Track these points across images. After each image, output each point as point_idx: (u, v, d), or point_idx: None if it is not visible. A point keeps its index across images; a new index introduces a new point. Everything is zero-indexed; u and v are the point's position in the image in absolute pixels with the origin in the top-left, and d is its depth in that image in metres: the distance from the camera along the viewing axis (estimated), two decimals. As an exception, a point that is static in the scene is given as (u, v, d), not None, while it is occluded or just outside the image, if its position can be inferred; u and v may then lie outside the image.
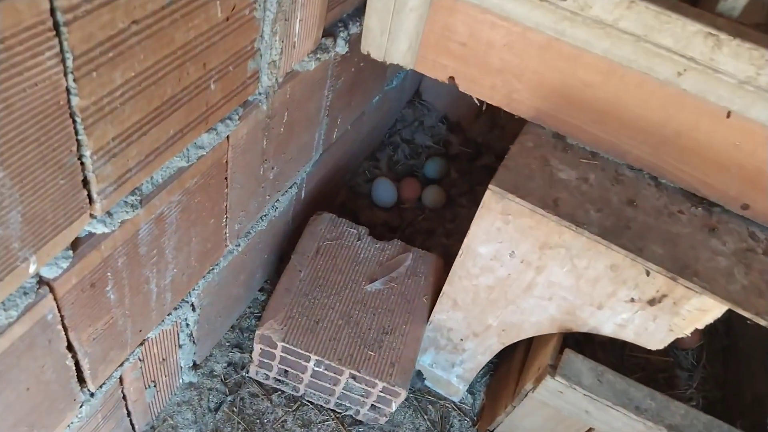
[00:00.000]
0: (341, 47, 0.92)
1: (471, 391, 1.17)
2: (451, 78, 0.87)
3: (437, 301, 0.99)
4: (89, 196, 0.55)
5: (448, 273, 1.12)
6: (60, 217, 0.53)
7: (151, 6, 0.50)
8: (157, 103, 0.58)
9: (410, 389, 1.15)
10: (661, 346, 0.82)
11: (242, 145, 0.79)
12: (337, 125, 1.13)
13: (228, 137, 0.75)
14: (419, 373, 1.15)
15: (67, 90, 0.47)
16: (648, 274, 0.74)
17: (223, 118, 0.72)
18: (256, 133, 0.81)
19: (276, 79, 0.80)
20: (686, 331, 0.78)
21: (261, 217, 1.00)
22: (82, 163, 0.52)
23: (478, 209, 0.81)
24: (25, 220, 0.49)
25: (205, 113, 0.67)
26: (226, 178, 0.80)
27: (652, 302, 0.77)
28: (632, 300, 0.78)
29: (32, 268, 0.53)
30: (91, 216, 0.57)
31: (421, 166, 1.55)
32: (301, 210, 1.19)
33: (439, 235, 1.40)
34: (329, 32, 0.89)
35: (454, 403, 1.15)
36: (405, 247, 1.13)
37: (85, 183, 0.54)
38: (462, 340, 1.02)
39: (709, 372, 1.27)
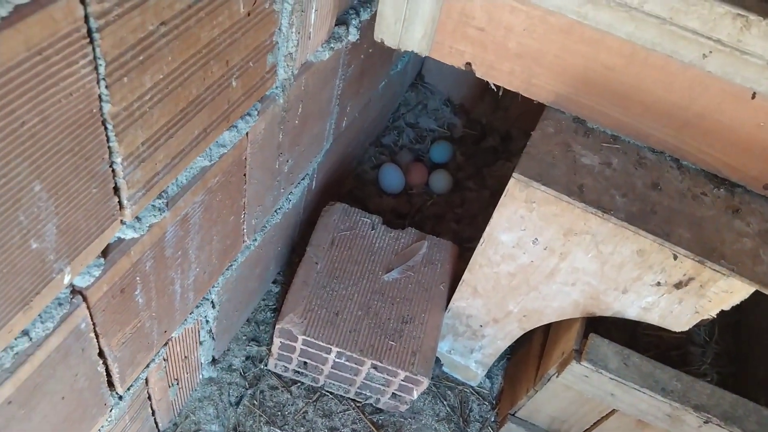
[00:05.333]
0: (353, 35, 0.90)
1: (489, 375, 1.17)
2: (468, 64, 0.86)
3: (457, 289, 0.99)
4: (119, 202, 0.54)
5: (461, 259, 1.12)
6: (92, 226, 0.52)
7: (178, 5, 0.49)
8: (183, 104, 0.56)
9: (428, 376, 1.15)
10: (685, 328, 0.82)
11: (260, 140, 0.78)
12: (347, 113, 1.12)
13: (247, 133, 0.73)
14: (437, 360, 1.16)
15: (99, 97, 0.45)
16: (675, 258, 0.74)
17: (243, 115, 0.70)
18: (273, 127, 0.80)
19: (292, 72, 0.78)
20: (712, 313, 0.78)
21: (276, 211, 0.99)
22: (113, 170, 0.51)
23: (502, 197, 0.80)
24: (59, 232, 0.48)
25: (227, 111, 0.66)
26: (245, 175, 0.79)
27: (678, 285, 0.77)
28: (658, 284, 0.78)
29: (66, 279, 0.52)
30: (121, 222, 0.56)
31: (427, 151, 1.54)
32: (312, 200, 1.18)
33: (448, 220, 1.39)
34: (342, 20, 0.88)
35: (472, 387, 1.16)
36: (419, 235, 1.12)
37: (116, 190, 0.53)
38: (481, 326, 1.02)
39: (721, 347, 1.28)
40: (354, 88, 1.08)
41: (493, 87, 0.87)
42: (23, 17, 0.35)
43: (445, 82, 1.63)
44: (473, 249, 0.91)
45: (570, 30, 0.75)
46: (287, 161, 0.92)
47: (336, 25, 0.86)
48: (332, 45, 0.85)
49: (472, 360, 1.11)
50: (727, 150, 0.78)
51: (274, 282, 1.21)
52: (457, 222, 1.39)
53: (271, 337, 1.12)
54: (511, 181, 0.78)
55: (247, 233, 0.90)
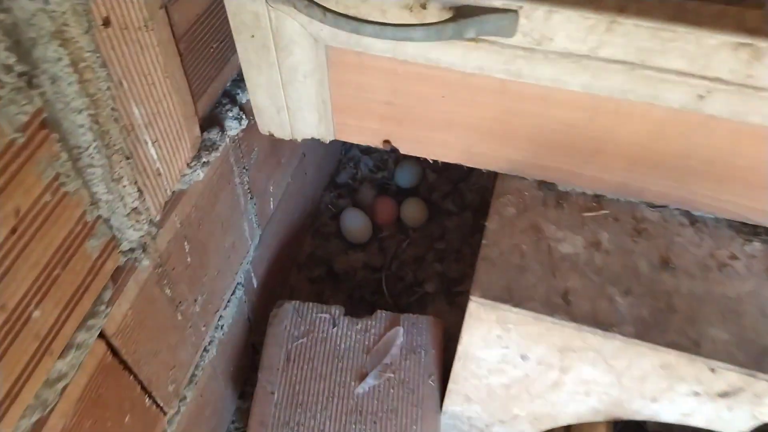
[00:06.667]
0: (235, 128, 0.69)
1: (511, 453, 0.99)
2: (387, 142, 0.64)
3: (446, 395, 0.80)
4: None
5: (452, 314, 0.92)
6: None
7: None
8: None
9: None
10: (745, 431, 0.62)
11: (132, 321, 0.58)
12: (271, 193, 0.91)
13: (102, 333, 0.54)
14: (447, 451, 0.97)
15: None
16: (713, 371, 0.54)
17: (79, 327, 0.51)
18: (148, 292, 0.60)
19: (149, 221, 0.58)
20: (776, 413, 0.58)
21: (205, 349, 0.80)
22: None
23: (465, 318, 0.60)
24: None
25: (39, 349, 0.46)
26: (125, 368, 0.59)
27: (723, 395, 0.57)
28: (696, 393, 0.58)
29: None
30: None
31: (392, 176, 1.32)
32: (259, 297, 0.98)
33: (430, 261, 1.19)
34: (212, 120, 0.66)
35: (495, 472, 0.98)
36: (392, 318, 0.92)
37: None
38: (487, 425, 0.83)
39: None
40: (270, 166, 0.88)
41: (431, 162, 0.66)
42: None
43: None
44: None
45: (504, 90, 0.53)
46: (195, 301, 0.72)
47: (205, 130, 0.65)
48: (205, 159, 0.64)
49: (487, 449, 0.92)
50: (754, 195, 0.56)
51: (241, 397, 1.02)
52: (440, 261, 1.18)
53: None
54: (471, 305, 0.57)
55: (166, 406, 0.71)
